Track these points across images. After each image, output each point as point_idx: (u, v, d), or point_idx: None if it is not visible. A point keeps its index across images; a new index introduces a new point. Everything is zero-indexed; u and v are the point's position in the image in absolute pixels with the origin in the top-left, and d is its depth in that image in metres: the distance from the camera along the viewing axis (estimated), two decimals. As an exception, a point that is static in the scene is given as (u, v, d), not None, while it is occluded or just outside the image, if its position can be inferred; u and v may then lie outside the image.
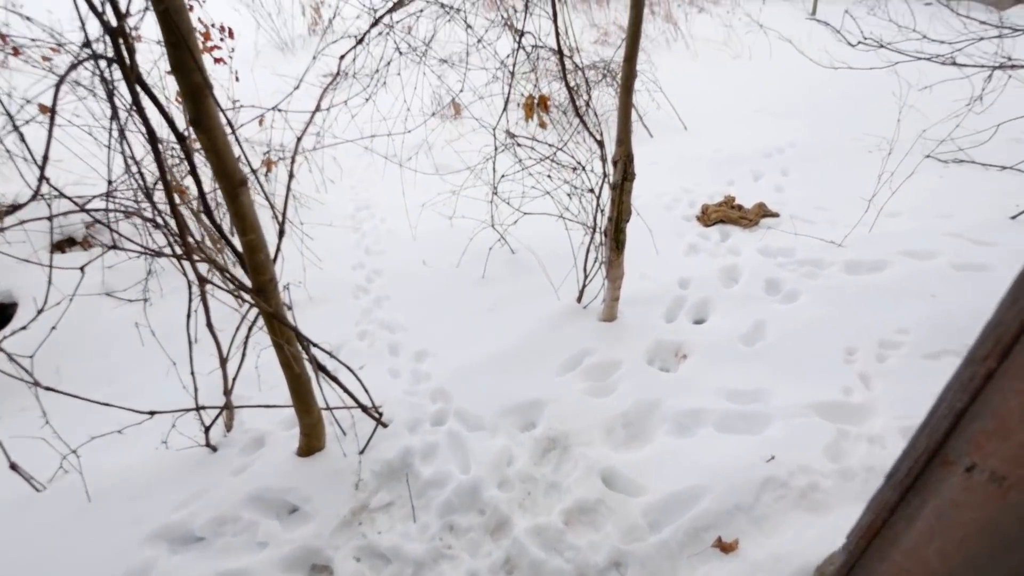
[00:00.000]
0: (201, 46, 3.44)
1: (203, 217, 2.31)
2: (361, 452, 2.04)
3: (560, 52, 2.05)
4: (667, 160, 4.46)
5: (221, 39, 3.58)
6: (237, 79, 3.59)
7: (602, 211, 2.51)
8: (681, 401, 2.16)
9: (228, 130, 1.45)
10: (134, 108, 1.24)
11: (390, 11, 1.96)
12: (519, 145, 2.57)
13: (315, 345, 1.74)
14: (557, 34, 2.01)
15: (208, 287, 1.64)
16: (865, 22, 4.91)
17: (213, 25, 3.54)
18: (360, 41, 1.97)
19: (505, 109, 2.36)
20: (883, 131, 4.62)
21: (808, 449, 1.91)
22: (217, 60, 3.58)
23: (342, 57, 1.98)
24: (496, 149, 2.61)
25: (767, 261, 2.98)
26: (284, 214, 1.72)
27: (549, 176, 2.58)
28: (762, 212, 3.45)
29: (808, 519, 1.74)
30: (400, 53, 2.20)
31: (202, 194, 1.47)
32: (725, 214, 3.42)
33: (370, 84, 2.28)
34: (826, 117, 4.99)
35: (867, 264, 2.84)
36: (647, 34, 7.22)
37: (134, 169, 1.54)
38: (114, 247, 1.55)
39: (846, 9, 4.16)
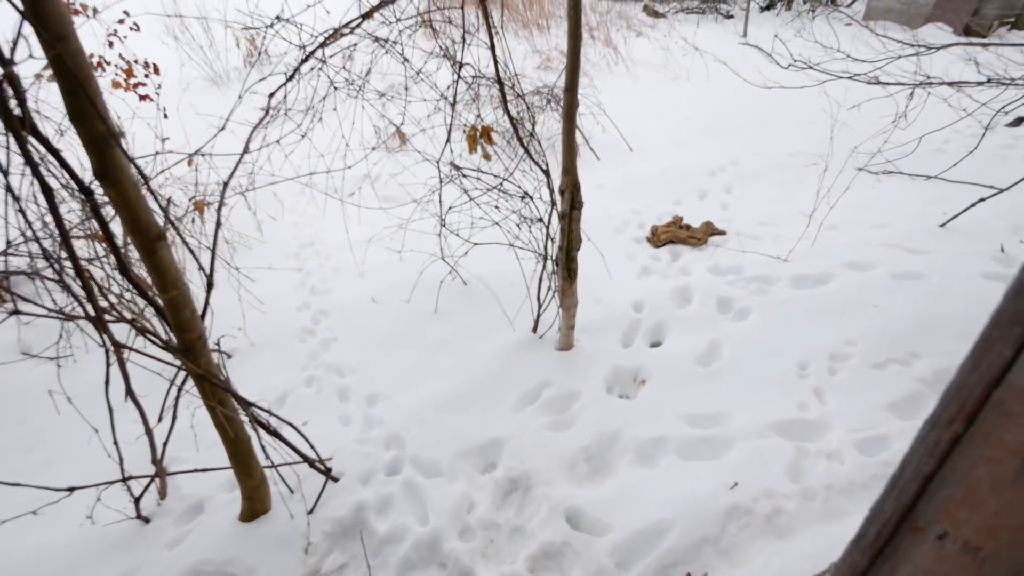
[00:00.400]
0: (123, 83, 3.27)
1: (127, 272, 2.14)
2: (310, 512, 1.90)
3: (500, 82, 2.02)
4: (615, 182, 4.52)
5: (146, 75, 3.42)
6: (165, 116, 3.42)
7: (552, 239, 2.48)
8: (642, 429, 2.12)
9: (143, 180, 1.33)
10: (26, 162, 1.12)
11: (321, 46, 1.89)
12: (464, 176, 2.52)
13: (252, 404, 1.61)
14: (496, 64, 1.98)
15: (130, 348, 1.49)
16: (793, 44, 5.15)
17: (136, 61, 3.37)
18: (290, 78, 1.88)
19: (448, 141, 2.31)
20: (817, 147, 4.84)
21: (770, 471, 1.89)
22: (143, 97, 3.41)
23: (272, 95, 1.89)
24: (441, 181, 2.55)
25: (717, 280, 3.01)
26: (212, 266, 1.60)
27: (496, 207, 2.53)
28: (710, 231, 3.51)
29: (775, 546, 1.71)
30: (335, 88, 2.12)
31: (115, 250, 1.34)
32: (674, 234, 3.46)
33: (304, 120, 2.18)
34: (763, 135, 5.19)
35: (812, 278, 2.91)
36: (589, 59, 7.40)
37: (39, 224, 1.40)
38: (16, 312, 1.39)
39: (775, 33, 4.35)
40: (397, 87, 2.33)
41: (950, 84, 3.10)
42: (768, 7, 10.11)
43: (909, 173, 4.24)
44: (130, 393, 1.43)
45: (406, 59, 2.09)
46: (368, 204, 3.34)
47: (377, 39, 2.02)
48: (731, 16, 9.80)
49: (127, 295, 2.21)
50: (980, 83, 3.09)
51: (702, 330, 2.67)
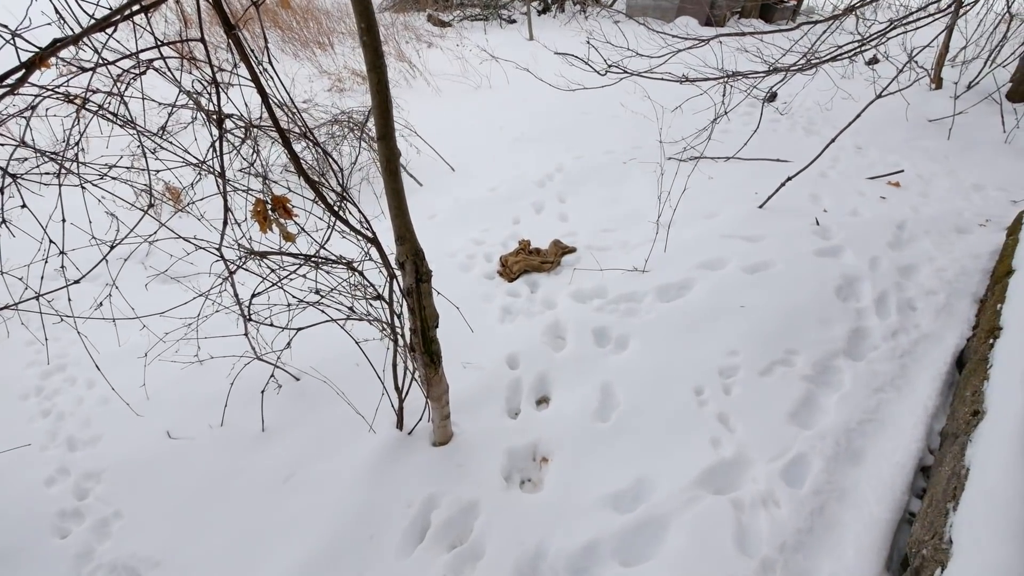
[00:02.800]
0: None
1: None
2: None
3: (286, 140, 1.44)
4: (446, 209, 4.10)
5: None
6: None
7: (398, 316, 1.96)
8: (566, 536, 1.72)
9: None
10: None
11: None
12: (262, 257, 1.87)
13: None
14: (273, 116, 1.39)
15: None
16: (582, 45, 5.20)
17: None
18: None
19: (225, 224, 1.65)
20: (624, 142, 4.96)
21: (719, 548, 1.63)
22: None
23: None
24: (231, 272, 1.87)
25: (585, 308, 2.76)
26: None
27: (318, 292, 1.93)
28: (560, 250, 3.27)
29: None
30: (10, 177, 1.34)
31: None
32: (526, 262, 3.15)
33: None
34: (576, 136, 5.18)
35: (675, 286, 2.80)
36: (384, 75, 6.87)
37: None
38: None
39: (587, 39, 4.28)
40: (129, 156, 1.60)
41: (744, 76, 3.23)
42: (544, 11, 10.54)
43: (712, 157, 4.50)
44: None
45: (130, 121, 1.40)
46: (125, 312, 2.43)
47: (68, 97, 1.30)
48: (514, 21, 10.00)
49: None
50: (767, 72, 3.27)
51: (587, 373, 2.38)
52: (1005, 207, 3.53)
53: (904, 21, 3.48)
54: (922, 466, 1.84)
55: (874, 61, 6.35)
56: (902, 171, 3.95)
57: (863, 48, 3.39)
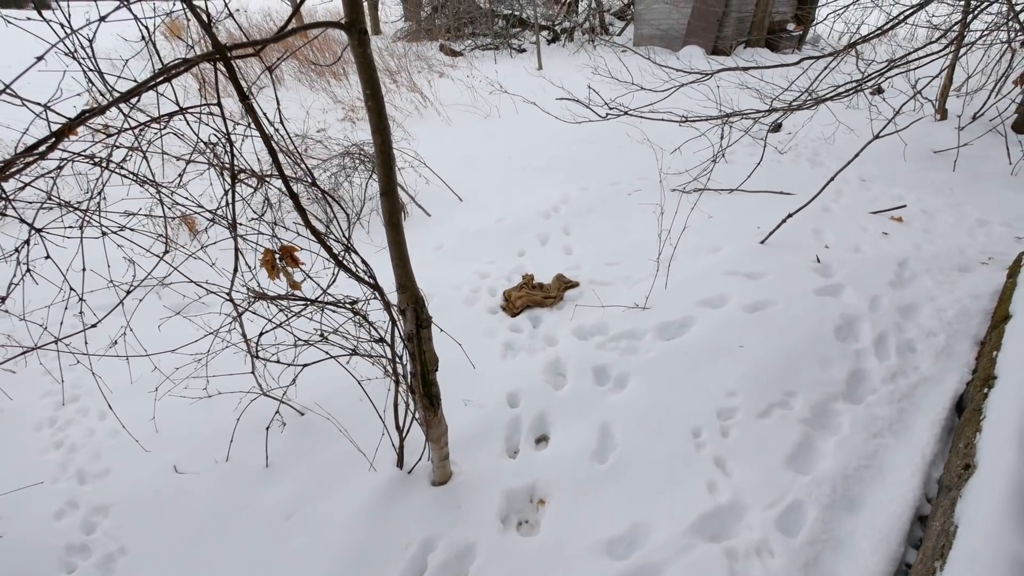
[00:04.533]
0: None
1: None
2: None
3: (293, 196, 1.51)
4: (452, 241, 4.18)
5: None
6: None
7: (400, 359, 2.01)
8: (560, 582, 1.74)
9: None
10: None
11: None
12: (271, 300, 1.94)
13: None
14: (283, 175, 1.47)
15: None
16: (590, 80, 5.32)
17: None
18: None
19: (236, 271, 1.72)
20: (630, 172, 5.03)
21: (711, 596, 1.64)
22: None
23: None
24: (239, 312, 1.93)
25: (585, 345, 2.79)
26: None
27: (322, 334, 1.99)
28: (563, 285, 3.32)
29: None
30: (35, 231, 1.42)
31: None
32: (529, 298, 3.20)
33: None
34: (582, 167, 5.27)
35: (675, 324, 2.83)
36: (396, 105, 7.05)
37: None
38: None
39: (589, 83, 4.38)
40: (151, 198, 1.68)
41: (744, 115, 3.29)
42: (553, 40, 10.77)
43: (716, 189, 4.55)
44: None
45: (150, 180, 1.48)
46: (137, 348, 2.52)
47: (95, 161, 1.39)
48: (524, 50, 10.22)
49: None
50: (766, 111, 3.34)
51: (587, 412, 2.41)
52: (1009, 243, 3.53)
53: (902, 61, 3.54)
54: (919, 515, 1.84)
55: (879, 91, 6.41)
56: (904, 206, 3.97)
57: (861, 88, 3.45)
